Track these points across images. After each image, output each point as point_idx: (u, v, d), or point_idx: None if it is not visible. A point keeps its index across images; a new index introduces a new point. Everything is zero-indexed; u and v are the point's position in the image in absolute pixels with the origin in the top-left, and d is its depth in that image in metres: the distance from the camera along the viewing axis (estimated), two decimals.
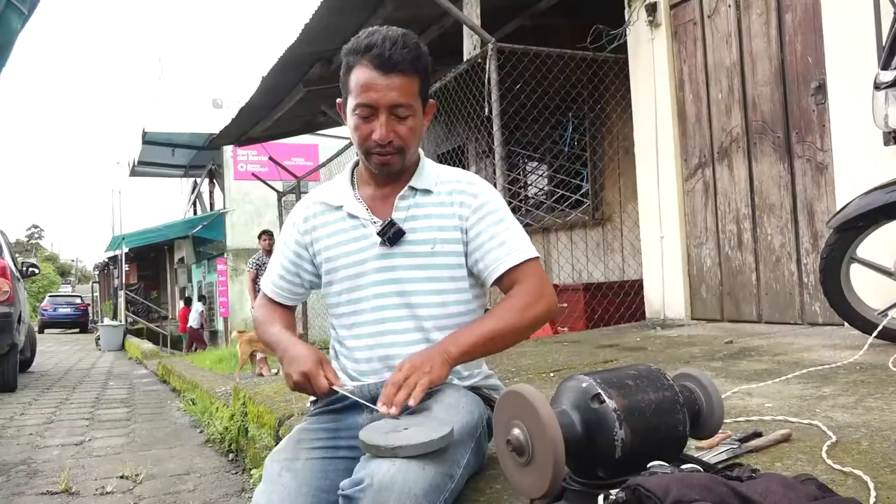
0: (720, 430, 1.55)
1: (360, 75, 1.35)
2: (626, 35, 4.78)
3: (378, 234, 1.41)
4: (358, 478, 1.13)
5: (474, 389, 1.46)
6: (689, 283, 4.41)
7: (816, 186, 3.61)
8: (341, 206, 1.48)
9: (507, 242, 1.41)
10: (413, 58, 1.35)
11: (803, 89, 3.66)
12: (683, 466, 1.03)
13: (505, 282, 1.40)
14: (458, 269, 1.44)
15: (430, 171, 1.49)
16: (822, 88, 3.52)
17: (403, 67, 1.33)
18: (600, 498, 0.96)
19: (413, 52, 1.35)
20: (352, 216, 1.46)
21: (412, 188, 1.46)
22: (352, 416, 1.40)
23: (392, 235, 1.41)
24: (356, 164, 1.54)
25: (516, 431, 1.04)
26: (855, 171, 3.27)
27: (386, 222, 1.42)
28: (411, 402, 1.19)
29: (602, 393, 1.06)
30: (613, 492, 0.96)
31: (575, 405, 1.08)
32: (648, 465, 1.02)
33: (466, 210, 1.44)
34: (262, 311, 1.58)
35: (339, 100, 1.46)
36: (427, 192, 1.46)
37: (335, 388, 1.30)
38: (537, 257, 1.43)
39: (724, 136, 4.16)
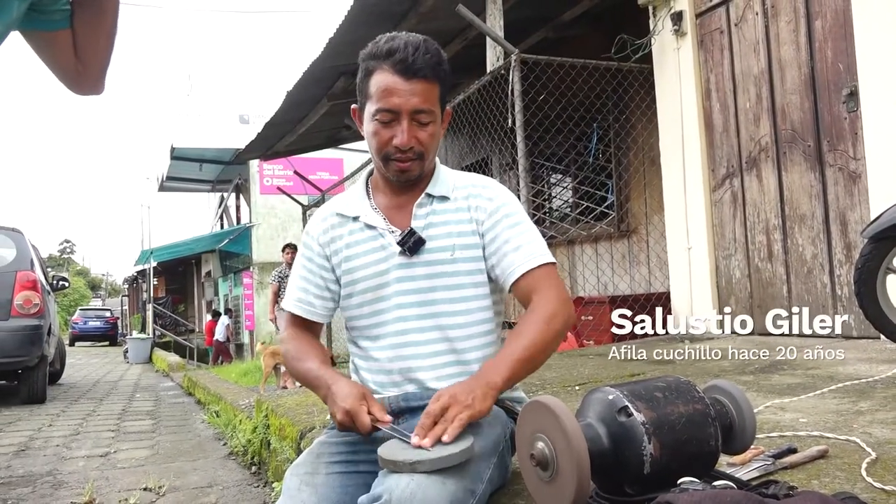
0: (752, 446, 1.50)
1: (381, 80, 1.33)
2: (651, 45, 4.74)
3: (398, 243, 1.39)
4: (376, 493, 1.10)
5: (497, 402, 1.42)
6: (717, 295, 4.33)
7: (849, 196, 3.52)
8: (358, 217, 1.45)
9: (522, 247, 1.37)
10: (435, 63, 1.33)
11: (834, 97, 3.58)
12: (716, 483, 0.99)
13: (521, 287, 1.36)
14: (479, 275, 1.41)
15: (447, 178, 1.47)
16: (854, 95, 3.44)
17: (426, 73, 1.32)
18: None
19: (435, 57, 1.34)
20: (369, 226, 1.43)
21: (429, 195, 1.43)
22: None
23: (413, 244, 1.38)
24: (370, 174, 1.51)
25: (540, 445, 1.01)
26: (890, 180, 3.18)
27: (406, 231, 1.39)
28: (445, 438, 1.11)
29: (629, 405, 1.02)
30: None
31: (601, 418, 1.05)
32: (679, 482, 0.97)
33: (482, 214, 1.42)
34: (293, 343, 1.46)
35: (354, 105, 1.45)
36: (444, 198, 1.43)
37: (378, 426, 1.21)
38: (553, 263, 1.39)
39: (753, 145, 4.09)
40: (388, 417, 1.24)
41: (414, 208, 1.42)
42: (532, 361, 1.28)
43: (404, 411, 1.38)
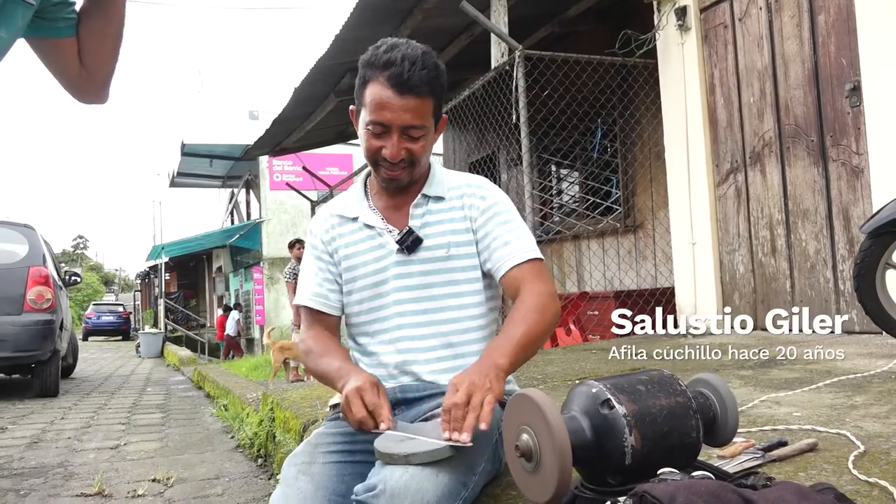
0: (744, 439, 1.53)
1: (375, 92, 1.34)
2: (655, 40, 4.74)
3: (397, 242, 1.43)
4: (371, 483, 1.14)
5: None
6: (721, 290, 4.34)
7: (852, 191, 3.53)
8: (356, 218, 1.49)
9: (511, 242, 1.41)
10: (430, 79, 1.34)
11: (838, 91, 3.58)
12: (694, 474, 1.01)
13: (510, 280, 1.39)
14: (473, 271, 1.45)
15: (442, 178, 1.51)
16: (857, 90, 3.44)
17: (420, 90, 1.32)
18: None
19: (431, 72, 1.34)
20: (368, 226, 1.47)
21: (425, 196, 1.47)
22: None
23: (411, 243, 1.42)
24: (368, 175, 1.55)
25: (525, 437, 1.04)
26: (892, 175, 3.18)
27: (404, 231, 1.43)
28: (483, 426, 1.12)
29: (612, 398, 1.05)
30: (621, 499, 0.95)
31: (584, 411, 1.07)
32: (658, 472, 1.00)
33: (475, 212, 1.46)
34: (314, 342, 1.46)
35: (352, 107, 1.48)
36: (439, 198, 1.47)
37: (380, 429, 1.20)
38: (541, 259, 1.43)
39: (757, 140, 4.09)
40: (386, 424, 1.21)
41: (410, 209, 1.46)
42: (529, 348, 1.31)
43: (401, 403, 1.42)
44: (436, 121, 1.42)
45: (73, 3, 1.29)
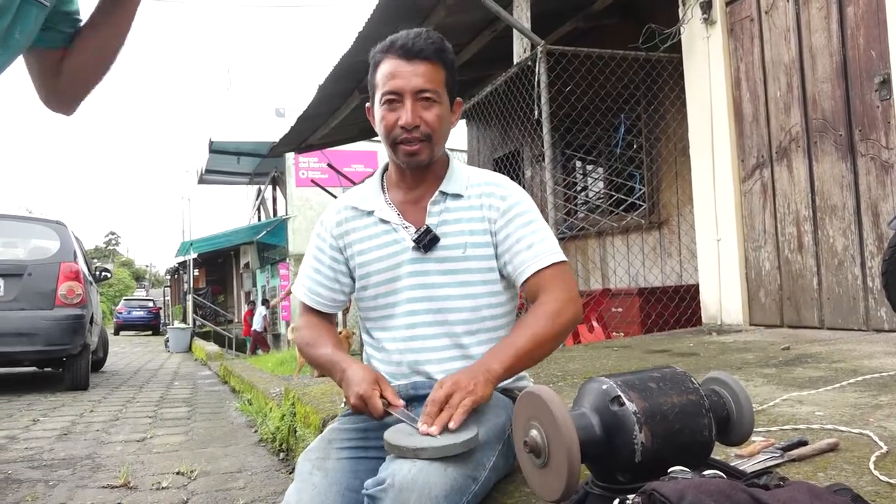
0: (764, 438, 1.51)
1: (386, 67, 1.38)
2: (680, 34, 4.68)
3: (414, 240, 1.41)
4: (380, 478, 1.14)
5: (505, 392, 1.45)
6: (746, 287, 4.27)
7: (881, 186, 3.45)
8: (372, 212, 1.47)
9: (534, 245, 1.39)
10: (437, 48, 1.38)
11: (867, 85, 3.50)
12: (705, 472, 1.00)
13: (531, 286, 1.38)
14: (490, 273, 1.43)
15: (461, 175, 1.48)
16: (886, 84, 3.36)
17: (427, 54, 1.36)
18: (615, 503, 0.94)
19: (436, 43, 1.38)
20: (383, 221, 1.45)
21: (443, 193, 1.45)
22: None
23: (427, 242, 1.40)
24: (385, 169, 1.54)
25: (534, 433, 1.03)
26: None
27: (422, 229, 1.41)
28: (452, 425, 1.16)
29: (622, 395, 1.04)
30: (630, 497, 0.94)
31: (595, 407, 1.06)
32: (669, 471, 0.99)
33: (495, 213, 1.43)
34: (307, 332, 1.52)
35: (367, 104, 1.48)
36: (457, 196, 1.45)
37: (390, 410, 1.26)
38: (565, 261, 1.41)
39: (783, 135, 4.02)
40: (401, 402, 1.28)
41: (428, 206, 1.43)
42: (533, 353, 1.31)
43: (413, 399, 1.42)
44: (450, 97, 1.42)
45: (79, 19, 1.26)
